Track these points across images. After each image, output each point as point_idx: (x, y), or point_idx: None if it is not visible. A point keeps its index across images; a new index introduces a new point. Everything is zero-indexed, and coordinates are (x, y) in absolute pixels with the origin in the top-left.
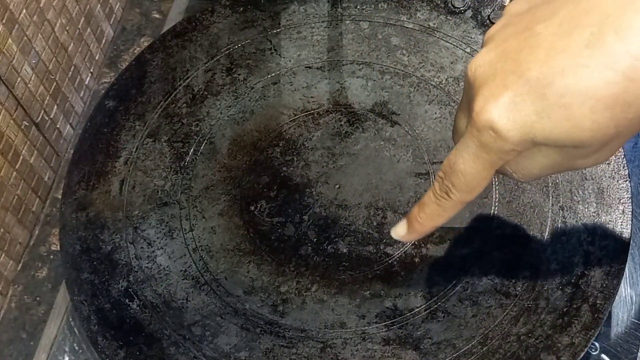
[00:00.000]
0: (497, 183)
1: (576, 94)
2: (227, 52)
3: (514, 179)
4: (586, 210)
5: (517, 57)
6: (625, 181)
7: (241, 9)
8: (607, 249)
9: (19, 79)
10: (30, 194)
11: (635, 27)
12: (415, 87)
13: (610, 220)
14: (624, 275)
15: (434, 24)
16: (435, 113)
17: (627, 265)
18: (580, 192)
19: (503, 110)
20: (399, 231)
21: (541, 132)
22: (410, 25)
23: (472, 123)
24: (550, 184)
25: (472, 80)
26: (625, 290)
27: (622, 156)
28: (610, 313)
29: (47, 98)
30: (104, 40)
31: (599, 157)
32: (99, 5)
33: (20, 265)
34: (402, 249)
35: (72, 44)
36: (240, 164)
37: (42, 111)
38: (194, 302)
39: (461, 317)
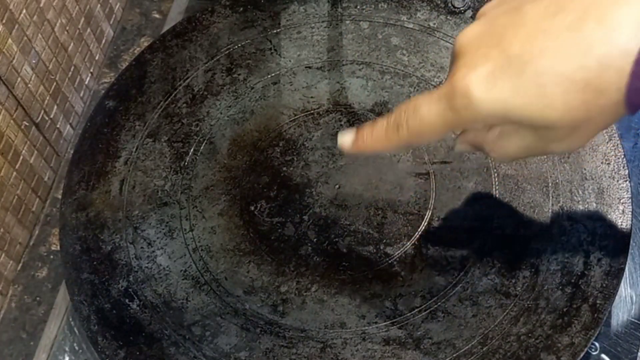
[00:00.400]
0: (497, 183)
1: (552, 74)
2: (227, 52)
3: (491, 157)
4: (586, 210)
5: (503, 33)
6: (625, 181)
7: (241, 9)
8: (607, 249)
9: (19, 79)
10: (30, 194)
11: (616, 18)
12: (415, 87)
13: (610, 221)
14: (624, 275)
15: (434, 24)
16: None
17: (627, 265)
18: (580, 192)
19: (481, 81)
20: (345, 139)
21: (514, 108)
22: (410, 25)
23: (450, 85)
24: (550, 184)
25: (458, 48)
26: (625, 290)
27: (622, 156)
28: (610, 313)
29: (47, 98)
30: (104, 40)
31: (572, 142)
32: (99, 5)
33: (20, 265)
34: (402, 249)
35: (72, 44)
36: (240, 164)
37: (42, 111)
38: (194, 302)
39: (461, 317)
